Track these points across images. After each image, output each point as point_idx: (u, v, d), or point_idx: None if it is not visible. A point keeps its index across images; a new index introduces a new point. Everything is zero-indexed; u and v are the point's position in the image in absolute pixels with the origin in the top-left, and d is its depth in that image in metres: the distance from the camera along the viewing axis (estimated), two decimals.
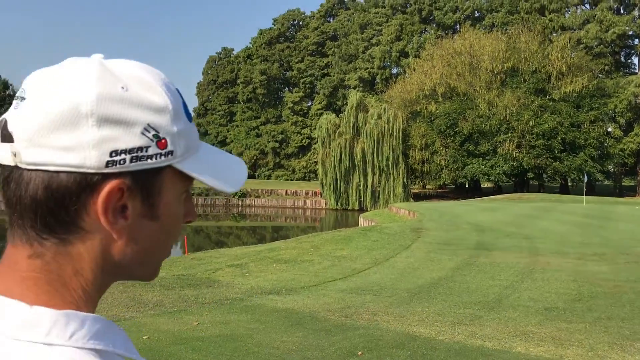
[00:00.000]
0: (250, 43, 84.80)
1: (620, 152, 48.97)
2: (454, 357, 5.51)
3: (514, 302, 8.36)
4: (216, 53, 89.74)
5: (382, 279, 10.12)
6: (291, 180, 75.13)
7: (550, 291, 9.09)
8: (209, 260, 12.24)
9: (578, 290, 9.15)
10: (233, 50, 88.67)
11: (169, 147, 0.65)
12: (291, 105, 77.70)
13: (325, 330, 6.50)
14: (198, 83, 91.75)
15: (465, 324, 6.90)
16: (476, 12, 63.95)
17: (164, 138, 0.64)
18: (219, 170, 0.74)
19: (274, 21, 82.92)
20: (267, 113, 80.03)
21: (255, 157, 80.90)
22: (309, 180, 74.30)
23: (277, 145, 78.75)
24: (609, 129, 50.74)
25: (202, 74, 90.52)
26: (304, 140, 77.16)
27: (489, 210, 25.74)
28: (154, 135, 0.63)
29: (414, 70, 55.23)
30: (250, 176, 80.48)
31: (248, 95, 79.67)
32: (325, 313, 7.42)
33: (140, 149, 0.62)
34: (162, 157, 0.64)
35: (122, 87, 0.62)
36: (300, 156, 78.65)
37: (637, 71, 55.32)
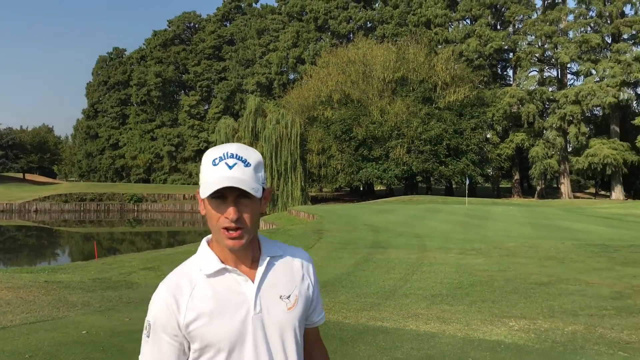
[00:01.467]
0: (144, 44, 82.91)
1: (497, 157, 53.45)
2: (359, 335, 6.59)
3: (406, 291, 9.65)
4: (107, 53, 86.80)
5: None
6: (188, 184, 74.42)
7: (436, 281, 10.51)
8: (120, 264, 12.61)
9: (459, 280, 10.64)
10: (125, 50, 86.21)
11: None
12: (188, 108, 76.93)
13: None
14: (88, 84, 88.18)
15: (367, 310, 8.04)
16: (368, 22, 66.95)
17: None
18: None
19: (169, 23, 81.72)
20: (163, 116, 78.67)
21: (150, 161, 79.19)
22: None
23: (173, 148, 77.65)
24: (488, 136, 55.14)
25: (92, 74, 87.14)
26: (201, 144, 76.66)
27: (383, 212, 27.56)
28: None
29: (311, 77, 56.89)
30: (145, 180, 78.64)
31: (142, 97, 77.89)
32: None
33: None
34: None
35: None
36: (197, 160, 77.95)
37: (511, 83, 60.50)
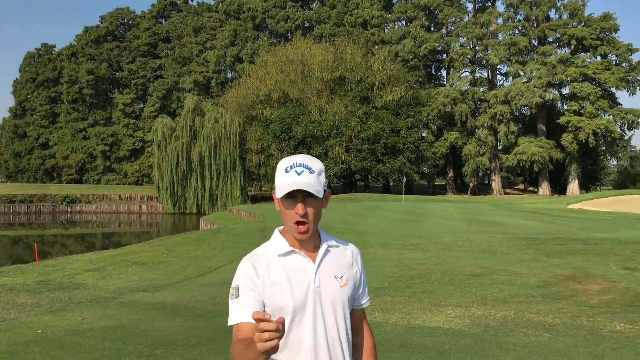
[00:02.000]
0: (74, 40, 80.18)
1: (432, 155, 55.16)
2: None
3: None
4: (35, 49, 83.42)
5: None
6: (123, 184, 72.58)
7: (378, 275, 11.01)
8: (63, 267, 12.47)
9: (399, 273, 11.20)
10: (55, 47, 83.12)
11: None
12: (122, 107, 74.98)
13: (200, 316, 7.60)
14: (15, 81, 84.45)
15: None
16: (306, 22, 67.45)
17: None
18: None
19: (102, 19, 79.45)
20: (96, 115, 76.35)
21: (82, 161, 76.72)
22: (142, 184, 72.38)
23: (107, 148, 75.52)
24: (423, 135, 56.82)
25: (20, 71, 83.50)
26: (136, 144, 74.96)
27: (323, 210, 28.03)
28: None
29: (249, 75, 56.79)
30: (77, 181, 76.13)
31: (73, 95, 75.28)
32: (195, 303, 8.49)
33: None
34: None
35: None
36: (132, 160, 76.21)
37: (445, 83, 62.53)
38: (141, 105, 77.55)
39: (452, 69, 59.25)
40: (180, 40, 73.64)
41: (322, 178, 1.94)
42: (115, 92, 78.93)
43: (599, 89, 51.28)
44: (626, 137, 57.28)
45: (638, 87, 52.10)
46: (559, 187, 58.73)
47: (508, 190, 64.03)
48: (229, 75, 70.58)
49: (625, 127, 53.67)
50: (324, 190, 1.95)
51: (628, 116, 52.03)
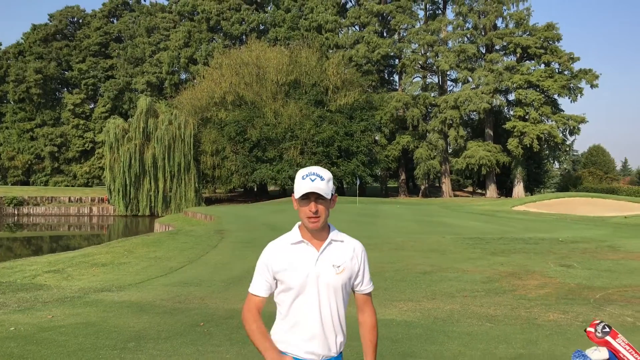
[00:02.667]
0: (22, 38, 77.89)
1: (385, 158, 56.31)
2: (268, 324, 7.42)
3: None
4: None
5: (200, 274, 11.70)
6: (72, 186, 71.00)
7: None
8: (22, 268, 12.50)
9: None
10: (0, 44, 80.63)
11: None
12: (72, 107, 73.28)
13: (166, 313, 7.96)
14: None
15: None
16: (261, 25, 67.65)
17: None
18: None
19: (50, 17, 77.44)
20: (44, 115, 74.35)
21: (29, 162, 74.60)
22: (92, 186, 71.00)
23: (56, 149, 73.66)
24: (376, 138, 57.93)
25: None
26: (86, 145, 73.44)
27: (279, 212, 28.50)
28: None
29: (204, 77, 56.61)
30: (24, 182, 74.01)
31: (20, 94, 73.08)
32: (160, 301, 8.83)
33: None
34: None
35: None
36: (82, 161, 74.59)
37: (397, 88, 63.86)
38: (92, 106, 75.99)
39: (404, 74, 60.63)
40: (133, 40, 72.60)
41: (331, 185, 2.51)
42: (64, 92, 77.03)
43: (543, 95, 53.54)
44: (568, 142, 60.01)
45: (579, 94, 54.62)
46: (505, 190, 60.87)
47: (457, 193, 65.92)
48: (183, 76, 70.02)
49: (567, 133, 56.17)
50: (332, 194, 2.54)
51: (569, 122, 54.46)
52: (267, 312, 2.71)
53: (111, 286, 10.32)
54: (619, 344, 2.86)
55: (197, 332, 6.90)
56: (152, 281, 10.92)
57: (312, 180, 2.46)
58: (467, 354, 5.86)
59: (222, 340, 6.47)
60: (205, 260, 13.44)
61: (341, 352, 2.61)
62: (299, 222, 2.61)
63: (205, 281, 10.82)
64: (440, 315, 7.78)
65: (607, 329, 2.90)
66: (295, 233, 2.59)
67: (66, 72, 75.78)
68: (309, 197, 2.47)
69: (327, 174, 2.53)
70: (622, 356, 2.83)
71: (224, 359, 5.76)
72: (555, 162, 73.44)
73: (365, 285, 2.68)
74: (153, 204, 51.01)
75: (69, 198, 55.80)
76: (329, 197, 2.50)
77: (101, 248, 15.21)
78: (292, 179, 52.95)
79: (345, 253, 2.59)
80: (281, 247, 2.57)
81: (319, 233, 2.55)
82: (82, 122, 73.54)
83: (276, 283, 2.58)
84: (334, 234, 2.62)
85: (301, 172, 2.53)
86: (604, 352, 2.88)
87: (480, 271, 11.57)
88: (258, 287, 2.60)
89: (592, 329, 2.94)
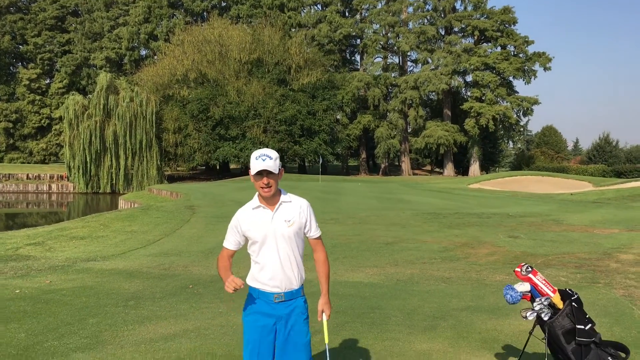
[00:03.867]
0: None
1: (347, 137, 57.31)
2: None
3: None
4: None
5: (177, 246, 12.44)
6: (29, 163, 69.70)
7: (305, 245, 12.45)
8: (2, 241, 12.93)
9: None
10: None
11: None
12: (27, 82, 71.44)
13: (155, 278, 8.73)
14: None
15: None
16: (223, 2, 67.16)
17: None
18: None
19: None
20: None
21: None
22: (48, 163, 69.86)
23: (11, 125, 71.92)
24: (338, 117, 58.82)
25: None
26: (43, 121, 71.90)
27: (244, 189, 29.20)
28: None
29: (165, 54, 56.19)
30: None
31: None
32: (147, 269, 9.58)
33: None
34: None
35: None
36: (38, 138, 73.11)
37: (359, 68, 64.71)
38: (48, 81, 74.31)
39: (365, 55, 61.48)
40: (91, 14, 71.01)
41: (277, 162, 3.27)
42: (19, 66, 75.00)
43: (499, 77, 55.31)
44: (522, 123, 62.20)
45: (533, 77, 56.61)
46: (462, 169, 62.84)
47: (416, 171, 67.66)
48: (143, 53, 69.09)
49: (521, 113, 58.28)
50: (279, 169, 3.28)
51: (523, 103, 56.50)
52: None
53: (95, 256, 10.98)
54: (538, 279, 3.85)
55: (188, 292, 7.72)
56: (133, 252, 11.61)
57: (263, 160, 3.19)
58: (425, 306, 6.86)
59: (211, 298, 7.32)
60: (180, 233, 14.15)
61: (302, 285, 3.48)
62: (257, 193, 3.37)
63: (184, 252, 11.57)
64: (402, 278, 8.79)
65: (530, 269, 3.89)
66: (254, 200, 3.36)
67: (21, 46, 73.68)
68: (261, 173, 3.20)
69: (274, 154, 3.27)
70: (539, 288, 3.83)
71: (217, 312, 6.61)
72: (510, 142, 76.02)
73: (313, 232, 3.47)
74: (114, 181, 50.79)
75: (27, 175, 54.97)
76: (276, 172, 3.23)
77: (77, 222, 15.70)
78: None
79: (293, 210, 3.35)
80: (245, 212, 3.36)
81: (271, 199, 3.30)
82: (38, 97, 71.88)
83: (245, 239, 3.38)
84: (284, 197, 3.37)
85: (254, 154, 3.25)
86: (526, 285, 3.87)
87: (438, 242, 12.67)
88: (229, 242, 3.42)
89: (519, 269, 3.93)
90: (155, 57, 62.60)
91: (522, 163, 64.28)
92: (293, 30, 61.47)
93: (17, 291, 7.50)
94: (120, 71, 67.59)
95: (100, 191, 50.42)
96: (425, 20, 59.88)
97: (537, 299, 3.86)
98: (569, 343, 3.75)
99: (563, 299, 3.86)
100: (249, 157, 50.80)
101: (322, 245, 3.59)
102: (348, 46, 65.69)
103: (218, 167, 61.26)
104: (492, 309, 6.68)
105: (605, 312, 6.39)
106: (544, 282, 3.87)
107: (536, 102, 56.45)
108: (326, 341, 3.57)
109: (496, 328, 5.83)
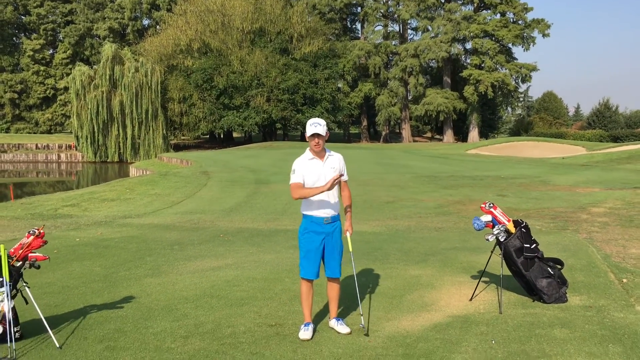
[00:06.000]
0: None
1: (348, 105, 58.38)
2: (270, 235, 9.74)
3: (293, 211, 12.93)
4: None
5: (199, 206, 13.88)
6: (35, 133, 70.99)
7: None
8: (41, 204, 14.39)
9: None
10: None
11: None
12: (31, 53, 72.26)
13: (189, 230, 10.18)
14: None
15: (271, 221, 11.22)
16: None
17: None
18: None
19: None
20: (2, 61, 73.11)
21: None
22: (54, 133, 71.12)
23: (16, 95, 73.01)
24: (339, 85, 59.76)
25: None
26: (48, 91, 72.96)
27: (251, 157, 30.58)
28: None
29: (168, 24, 56.87)
30: None
31: None
32: (179, 223, 11.03)
33: None
34: None
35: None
36: (44, 108, 74.27)
37: (360, 36, 65.33)
38: (51, 52, 75.01)
39: (366, 23, 62.07)
40: None
41: (325, 128, 4.66)
42: (22, 37, 75.62)
43: (498, 44, 56.07)
44: (520, 90, 63.11)
45: (531, 44, 57.36)
46: (461, 135, 64.02)
47: (417, 138, 68.85)
48: (146, 22, 69.66)
49: (520, 80, 59.18)
50: (326, 132, 4.65)
51: (522, 70, 57.38)
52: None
53: (130, 214, 12.43)
54: (497, 212, 5.27)
55: (220, 240, 9.18)
56: (162, 211, 13.05)
57: (315, 127, 4.58)
58: (419, 247, 8.31)
59: (242, 244, 8.78)
60: (200, 195, 15.59)
61: (338, 213, 4.86)
62: (308, 148, 4.77)
63: (207, 211, 13.02)
64: (400, 228, 10.25)
65: (492, 204, 5.30)
66: (307, 154, 4.72)
67: (24, 17, 74.21)
68: (313, 136, 4.58)
69: (322, 122, 4.65)
70: (498, 219, 5.25)
71: (248, 252, 8.07)
72: (509, 108, 76.96)
73: (345, 176, 4.86)
74: (122, 151, 52.12)
75: (36, 145, 56.28)
76: (324, 134, 4.61)
77: (104, 187, 17.13)
78: (259, 125, 54.83)
79: (336, 161, 4.76)
80: (304, 161, 4.72)
81: (320, 152, 4.67)
82: (42, 68, 72.77)
83: (303, 180, 4.70)
84: (328, 152, 4.76)
85: (309, 122, 4.64)
86: (488, 217, 5.29)
87: (433, 200, 14.10)
88: (296, 179, 4.71)
89: (484, 205, 5.34)
90: (158, 27, 63.17)
91: (521, 129, 65.38)
92: None
93: (77, 239, 8.95)
94: (123, 41, 68.28)
95: (108, 160, 51.81)
96: None
97: (497, 226, 5.29)
98: (518, 257, 5.20)
99: (515, 226, 5.30)
100: (252, 126, 52.26)
101: (347, 186, 4.98)
102: (349, 14, 66.19)
103: (222, 136, 62.51)
104: (474, 248, 8.11)
105: (566, 249, 7.83)
106: (502, 214, 5.30)
107: (534, 69, 57.30)
108: (350, 249, 4.97)
109: (474, 260, 7.28)
